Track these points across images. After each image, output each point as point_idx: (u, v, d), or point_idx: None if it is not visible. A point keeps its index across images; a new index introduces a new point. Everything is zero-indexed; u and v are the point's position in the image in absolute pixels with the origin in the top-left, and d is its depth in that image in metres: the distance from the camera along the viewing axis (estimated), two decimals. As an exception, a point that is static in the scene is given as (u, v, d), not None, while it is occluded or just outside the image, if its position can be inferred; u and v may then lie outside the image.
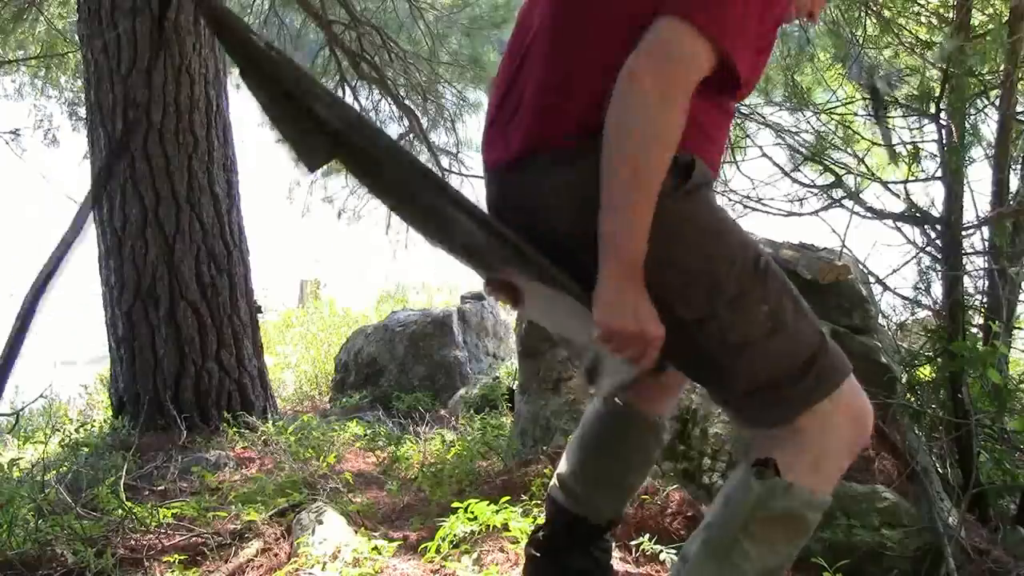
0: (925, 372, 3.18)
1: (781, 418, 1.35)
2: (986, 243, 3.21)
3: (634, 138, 1.23)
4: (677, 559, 1.47)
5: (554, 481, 1.80)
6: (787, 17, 1.44)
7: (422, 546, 2.19)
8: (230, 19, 1.38)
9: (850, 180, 3.32)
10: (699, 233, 1.32)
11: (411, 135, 6.14)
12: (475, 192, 6.88)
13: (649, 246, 1.25)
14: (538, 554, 1.76)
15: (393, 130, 6.22)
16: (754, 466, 1.36)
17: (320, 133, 1.34)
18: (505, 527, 2.19)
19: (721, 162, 1.48)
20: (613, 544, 1.90)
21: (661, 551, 2.16)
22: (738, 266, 1.32)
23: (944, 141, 2.92)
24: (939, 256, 3.09)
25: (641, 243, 1.24)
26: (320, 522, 2.29)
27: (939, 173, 3.02)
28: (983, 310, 3.18)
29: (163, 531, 2.44)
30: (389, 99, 5.95)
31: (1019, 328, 3.65)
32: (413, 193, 1.39)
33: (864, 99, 3.52)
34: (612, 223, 1.25)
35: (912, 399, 3.02)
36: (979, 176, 3.18)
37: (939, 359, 3.00)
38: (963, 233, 3.02)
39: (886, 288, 3.33)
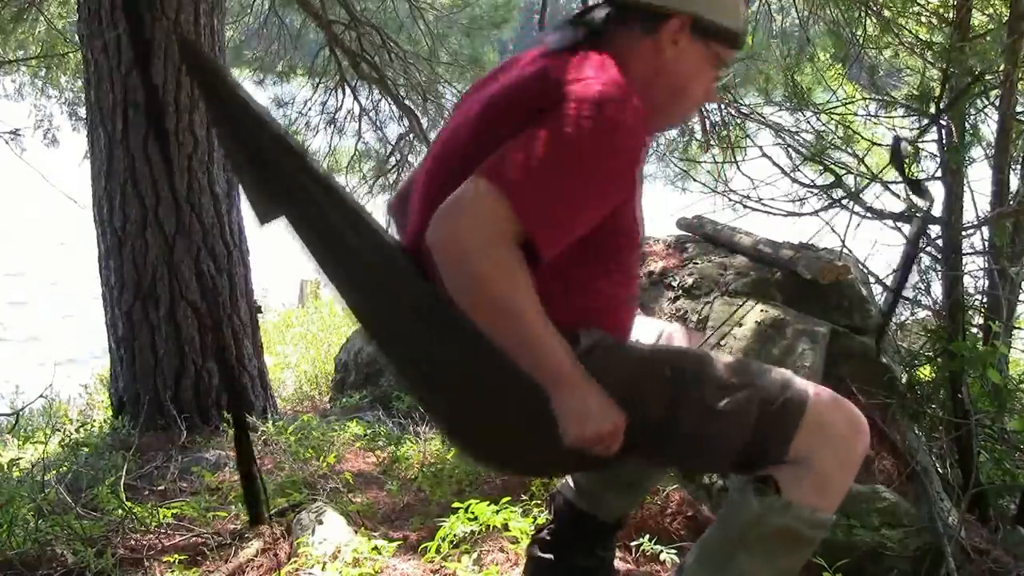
0: (925, 372, 3.18)
1: (776, 460, 1.38)
2: (986, 243, 3.21)
3: (475, 301, 1.24)
4: (675, 570, 1.48)
5: (567, 479, 1.80)
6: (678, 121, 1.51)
7: (422, 546, 2.19)
8: (218, 72, 1.40)
9: (850, 180, 3.32)
10: (618, 381, 1.33)
11: (411, 135, 6.14)
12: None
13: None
14: (541, 553, 1.76)
15: (393, 130, 6.21)
16: (755, 483, 1.38)
17: (282, 197, 1.38)
18: (505, 527, 2.19)
19: (629, 322, 1.51)
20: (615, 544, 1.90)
21: (661, 551, 2.16)
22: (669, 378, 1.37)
23: (944, 141, 2.92)
24: (939, 256, 3.10)
25: (555, 357, 1.26)
26: (320, 522, 2.29)
27: (939, 173, 3.02)
28: (983, 310, 3.18)
29: (163, 531, 2.44)
30: (389, 99, 5.95)
31: (1019, 328, 3.66)
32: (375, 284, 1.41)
33: (864, 99, 3.52)
34: (523, 362, 1.27)
35: (912, 399, 3.02)
36: (979, 176, 3.18)
37: (939, 359, 3.00)
38: (963, 233, 3.02)
39: (886, 288, 3.33)
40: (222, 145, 1.48)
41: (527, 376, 1.27)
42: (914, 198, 2.34)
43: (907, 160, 3.04)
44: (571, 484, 1.77)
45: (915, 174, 3.16)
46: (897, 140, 1.77)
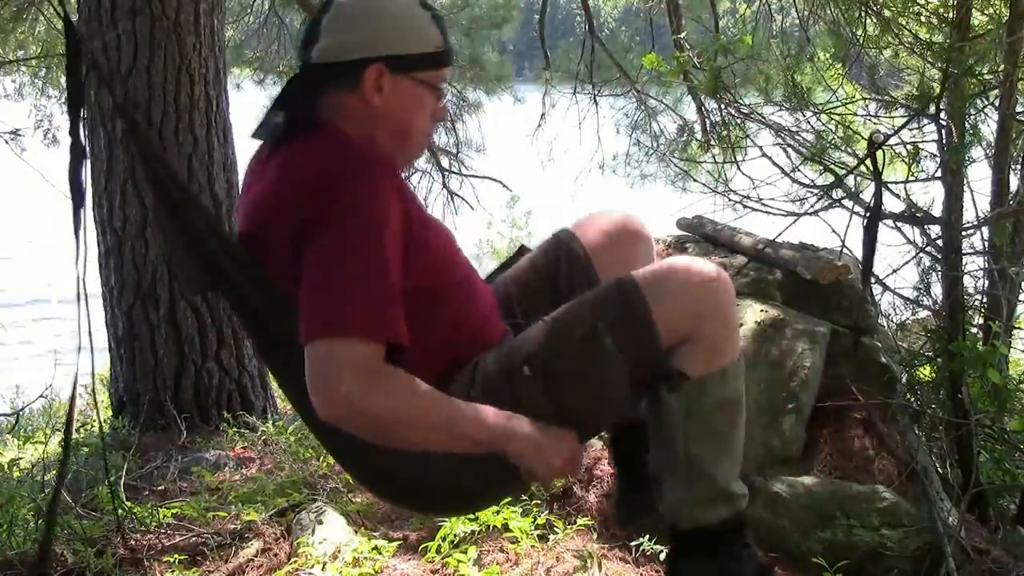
0: (925, 372, 3.18)
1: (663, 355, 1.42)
2: (986, 243, 3.21)
3: (406, 438, 1.30)
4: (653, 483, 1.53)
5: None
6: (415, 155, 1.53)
7: (422, 546, 2.19)
8: (161, 159, 1.40)
9: (850, 180, 3.32)
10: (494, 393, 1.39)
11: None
12: (475, 192, 6.89)
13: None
14: (624, 494, 1.79)
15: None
16: (664, 383, 1.43)
17: (204, 272, 1.40)
18: (505, 527, 2.20)
19: (492, 325, 1.54)
20: None
21: (661, 551, 2.16)
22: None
23: (944, 141, 2.92)
24: (939, 256, 3.09)
25: (488, 425, 1.32)
26: (320, 522, 2.29)
27: (939, 173, 3.02)
28: (983, 310, 3.18)
29: (163, 531, 2.44)
30: (389, 99, 5.94)
31: (1019, 328, 3.65)
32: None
33: (864, 99, 3.52)
34: (466, 447, 1.32)
35: (912, 399, 3.02)
36: (979, 176, 3.18)
37: (939, 359, 3.00)
38: (963, 233, 3.02)
39: (886, 288, 3.33)
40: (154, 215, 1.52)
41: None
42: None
43: (894, 158, 3.04)
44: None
45: (915, 173, 3.16)
46: (873, 135, 1.78)
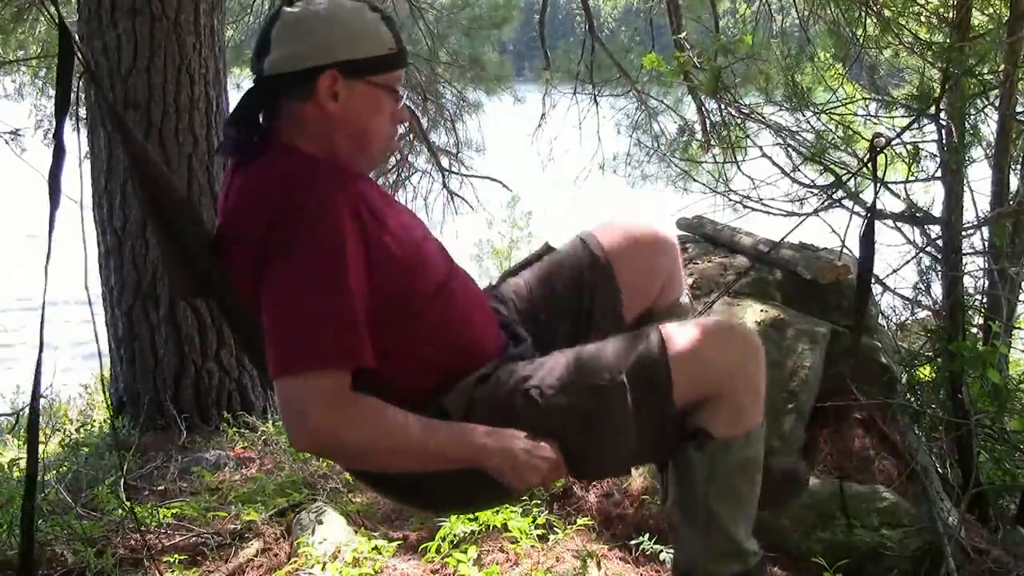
0: (925, 372, 3.18)
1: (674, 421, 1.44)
2: (986, 243, 3.21)
3: (380, 463, 1.33)
4: (668, 526, 1.58)
5: None
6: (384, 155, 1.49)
7: (422, 546, 2.19)
8: (153, 163, 1.41)
9: (849, 179, 3.32)
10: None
11: (411, 135, 6.14)
12: (475, 192, 6.89)
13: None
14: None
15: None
16: (691, 440, 1.45)
17: (192, 277, 1.41)
18: (505, 527, 2.20)
19: (487, 346, 1.52)
20: None
21: (661, 551, 2.16)
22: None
23: (944, 141, 2.92)
24: (939, 256, 3.09)
25: (463, 443, 1.33)
26: (320, 522, 2.29)
27: (939, 173, 3.02)
28: (983, 310, 3.18)
29: (163, 531, 2.44)
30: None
31: (1019, 328, 3.65)
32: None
33: (864, 99, 3.52)
34: (442, 465, 1.33)
35: (912, 399, 3.02)
36: (979, 176, 3.18)
37: (939, 359, 3.00)
38: (963, 233, 3.02)
39: (886, 288, 3.33)
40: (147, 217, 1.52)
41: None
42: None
43: (902, 163, 3.04)
44: None
45: (915, 173, 3.16)
46: (875, 138, 1.78)
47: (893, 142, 2.81)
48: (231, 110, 1.42)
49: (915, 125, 3.04)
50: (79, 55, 1.40)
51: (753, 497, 1.51)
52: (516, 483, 1.36)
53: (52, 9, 1.50)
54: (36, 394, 1.31)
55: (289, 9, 1.38)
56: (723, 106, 4.15)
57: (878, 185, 1.80)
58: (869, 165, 1.79)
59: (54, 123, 1.37)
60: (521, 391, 1.41)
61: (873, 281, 3.16)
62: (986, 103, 3.02)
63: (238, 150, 1.40)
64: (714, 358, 1.42)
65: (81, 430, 3.72)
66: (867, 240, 1.70)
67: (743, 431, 1.45)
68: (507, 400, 1.41)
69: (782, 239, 2.40)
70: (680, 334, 1.44)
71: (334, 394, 1.23)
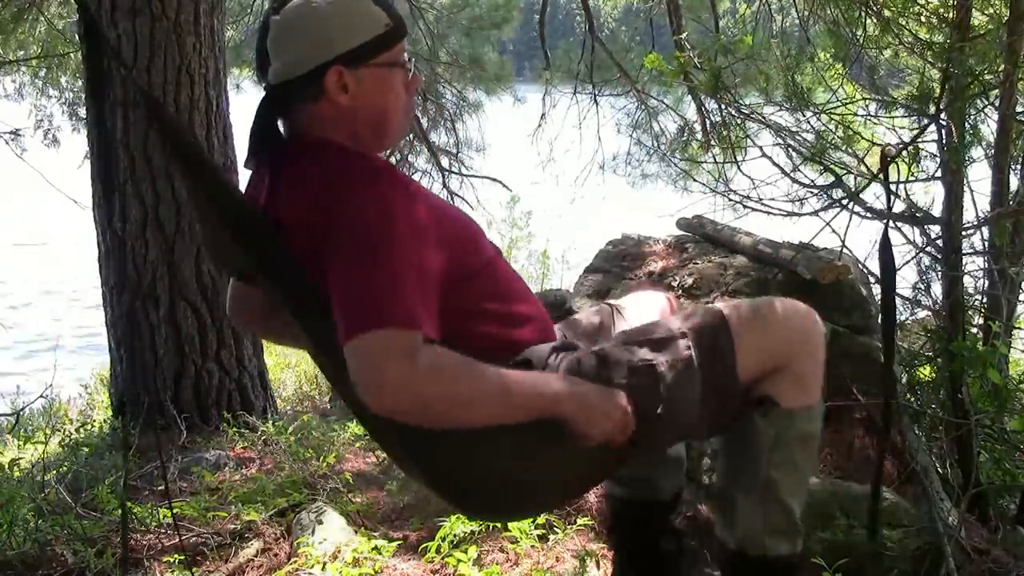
0: (925, 372, 3.18)
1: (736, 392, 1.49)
2: (986, 243, 3.20)
3: (461, 417, 1.28)
4: (714, 502, 1.62)
5: (607, 482, 1.84)
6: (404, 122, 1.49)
7: (422, 546, 2.19)
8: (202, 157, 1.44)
9: (850, 180, 3.32)
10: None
11: (411, 135, 6.14)
12: (475, 192, 6.89)
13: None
14: (626, 555, 1.86)
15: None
16: (757, 407, 1.49)
17: (238, 257, 1.43)
18: (505, 527, 2.20)
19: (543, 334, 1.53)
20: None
21: (661, 551, 2.15)
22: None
23: (944, 141, 2.92)
24: (939, 256, 3.09)
25: (539, 390, 1.33)
26: (320, 522, 2.29)
27: (939, 173, 3.02)
28: (983, 310, 3.18)
29: (163, 531, 2.44)
30: (389, 99, 5.94)
31: (1019, 328, 3.65)
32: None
33: (864, 99, 3.52)
34: (523, 415, 1.31)
35: (912, 399, 3.02)
36: (979, 176, 3.18)
37: (939, 359, 3.00)
38: (963, 233, 3.02)
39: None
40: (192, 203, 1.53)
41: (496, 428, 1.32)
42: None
43: (900, 163, 3.04)
44: (619, 485, 1.81)
45: (915, 173, 3.16)
46: (885, 148, 1.79)
47: (903, 151, 2.82)
48: (251, 124, 1.43)
49: (915, 124, 3.04)
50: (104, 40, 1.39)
51: (809, 473, 1.56)
52: (589, 429, 1.34)
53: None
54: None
55: (276, 17, 1.38)
56: (723, 106, 4.15)
57: (891, 197, 1.82)
58: (881, 175, 1.80)
59: (93, 109, 1.38)
60: (592, 353, 1.44)
61: (873, 281, 3.16)
62: (986, 103, 3.02)
63: (272, 158, 1.40)
64: (780, 330, 1.48)
65: (81, 430, 3.72)
66: (885, 250, 1.75)
67: (807, 404, 1.50)
68: (578, 362, 1.43)
69: (796, 243, 2.39)
70: (743, 308, 1.51)
71: (407, 348, 1.21)
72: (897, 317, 3.11)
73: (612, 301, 1.84)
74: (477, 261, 1.42)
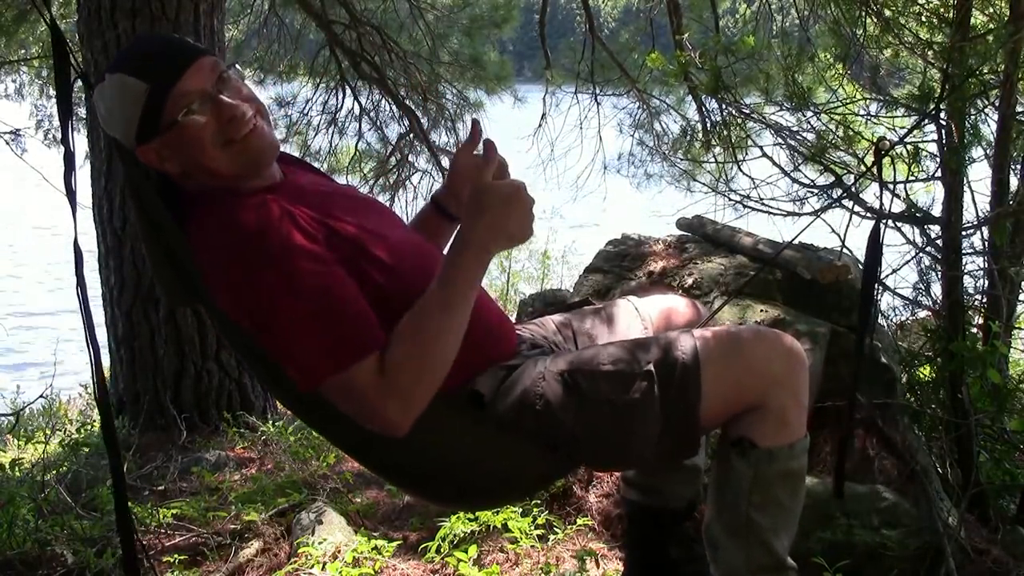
0: (925, 372, 3.18)
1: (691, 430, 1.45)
2: (986, 243, 3.20)
3: (435, 375, 1.27)
4: (707, 544, 1.56)
5: (622, 485, 1.84)
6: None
7: (422, 546, 2.19)
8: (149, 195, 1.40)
9: (850, 180, 3.31)
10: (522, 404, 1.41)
11: (411, 135, 6.14)
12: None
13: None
14: (637, 559, 1.84)
15: (393, 130, 6.21)
16: (733, 448, 1.46)
17: (184, 289, 1.42)
18: (505, 527, 2.20)
19: (499, 343, 1.52)
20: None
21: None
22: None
23: (944, 141, 2.92)
24: (939, 256, 3.09)
25: (468, 258, 1.30)
26: (320, 522, 2.29)
27: (939, 173, 3.01)
28: (983, 310, 3.18)
29: (163, 531, 2.44)
30: (389, 99, 5.95)
31: (1019, 328, 3.65)
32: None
33: (864, 99, 3.51)
34: (463, 307, 1.29)
35: (912, 399, 3.01)
36: (979, 176, 3.17)
37: (939, 359, 2.99)
38: (963, 233, 3.01)
39: (886, 288, 3.32)
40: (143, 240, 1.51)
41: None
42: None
43: (899, 162, 3.04)
44: (629, 487, 1.81)
45: (915, 173, 3.16)
46: (879, 141, 1.78)
47: (897, 145, 2.81)
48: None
49: (916, 125, 3.04)
50: (74, 61, 1.40)
51: (795, 510, 1.51)
52: (524, 233, 1.36)
53: (43, 11, 1.49)
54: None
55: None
56: (724, 106, 4.15)
57: (883, 188, 1.80)
58: (874, 169, 1.79)
59: (59, 131, 1.38)
60: (549, 373, 1.42)
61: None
62: (986, 103, 3.01)
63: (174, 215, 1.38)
64: (758, 370, 1.42)
65: (81, 430, 3.72)
66: (874, 242, 1.70)
67: (787, 441, 1.44)
68: (534, 383, 1.41)
69: (795, 238, 2.39)
70: (719, 340, 1.44)
71: (372, 371, 1.23)
72: (877, 308, 3.10)
73: (634, 300, 1.80)
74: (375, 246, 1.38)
